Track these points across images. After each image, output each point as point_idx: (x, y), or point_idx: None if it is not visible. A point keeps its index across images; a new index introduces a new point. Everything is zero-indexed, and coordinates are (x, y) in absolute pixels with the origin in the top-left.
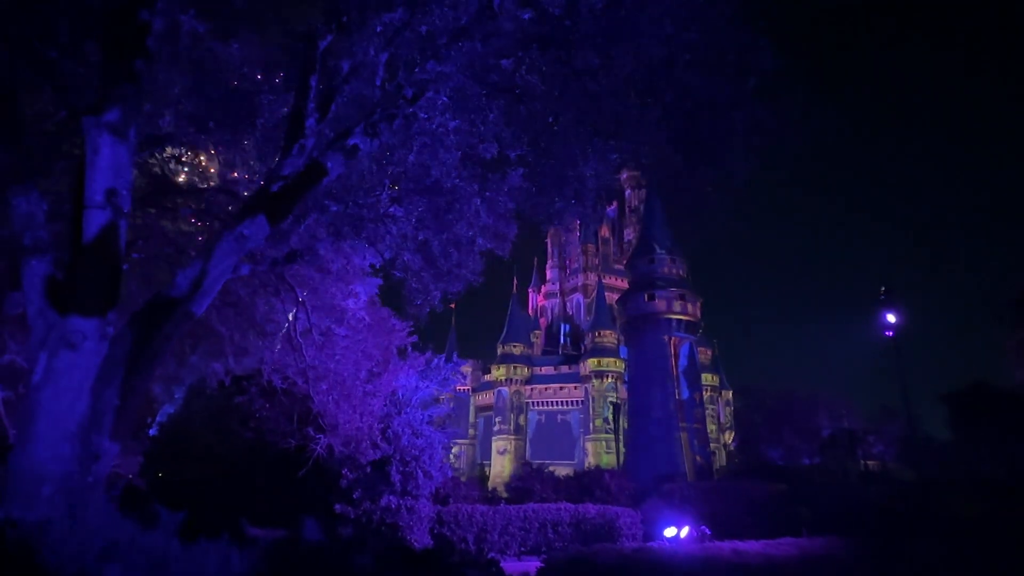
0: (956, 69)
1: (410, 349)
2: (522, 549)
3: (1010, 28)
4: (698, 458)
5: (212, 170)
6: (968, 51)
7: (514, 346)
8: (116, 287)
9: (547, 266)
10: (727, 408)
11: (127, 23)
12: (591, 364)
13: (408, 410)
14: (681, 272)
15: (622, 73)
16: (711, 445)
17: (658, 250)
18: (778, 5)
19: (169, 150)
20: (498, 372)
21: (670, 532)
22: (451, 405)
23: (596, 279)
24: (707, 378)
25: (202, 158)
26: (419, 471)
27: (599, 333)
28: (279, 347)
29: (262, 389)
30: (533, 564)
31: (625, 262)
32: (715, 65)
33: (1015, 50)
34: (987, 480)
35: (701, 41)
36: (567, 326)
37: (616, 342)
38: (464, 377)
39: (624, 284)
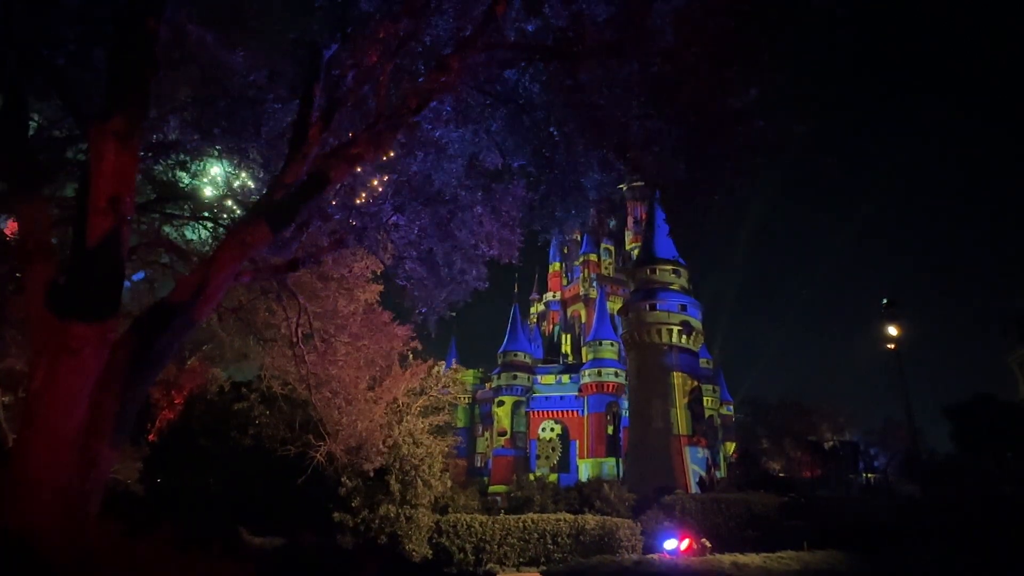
0: (964, 78)
1: (410, 356)
2: (521, 560)
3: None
4: (698, 469)
5: (216, 177)
6: (975, 59)
7: (515, 355)
8: (118, 293)
9: (548, 275)
10: (728, 419)
11: (134, 31)
12: (592, 374)
13: (408, 418)
14: (683, 282)
15: (625, 84)
16: (712, 456)
17: (660, 260)
18: (781, 17)
19: (174, 157)
20: (499, 381)
21: (670, 544)
22: (451, 413)
23: (598, 288)
24: (708, 389)
25: (206, 165)
26: (418, 480)
27: (600, 343)
28: (279, 353)
29: (262, 395)
30: None
31: (627, 272)
32: (717, 78)
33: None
34: (990, 495)
35: (703, 54)
36: (568, 335)
37: (617, 352)
38: (464, 386)
39: (626, 294)
